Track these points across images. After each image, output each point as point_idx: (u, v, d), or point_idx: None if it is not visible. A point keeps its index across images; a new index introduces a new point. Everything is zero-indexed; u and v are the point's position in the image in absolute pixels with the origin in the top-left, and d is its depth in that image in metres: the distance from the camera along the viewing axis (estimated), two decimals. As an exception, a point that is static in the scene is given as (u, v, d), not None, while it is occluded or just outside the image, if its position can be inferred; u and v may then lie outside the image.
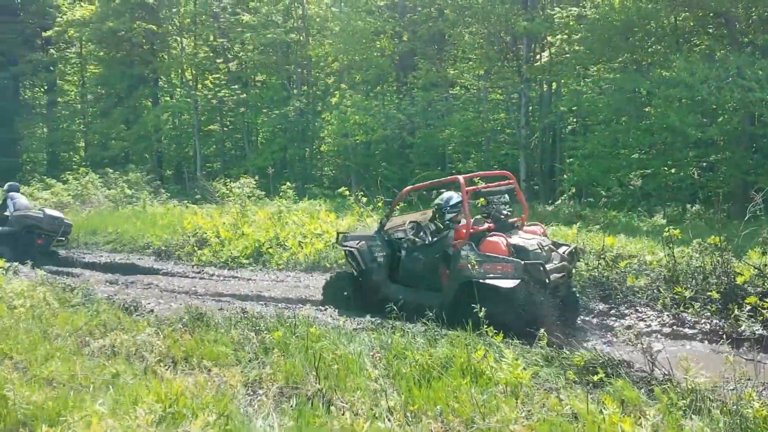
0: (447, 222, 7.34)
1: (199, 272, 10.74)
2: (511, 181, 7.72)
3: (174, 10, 30.18)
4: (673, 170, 16.80)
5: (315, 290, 8.96)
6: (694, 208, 16.13)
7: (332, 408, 4.23)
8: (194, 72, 30.33)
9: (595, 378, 4.70)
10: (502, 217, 7.27)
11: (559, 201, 17.53)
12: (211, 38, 30.37)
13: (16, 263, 9.96)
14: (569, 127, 23.22)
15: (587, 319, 7.43)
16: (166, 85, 33.04)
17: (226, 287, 9.37)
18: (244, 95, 27.63)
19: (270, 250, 11.18)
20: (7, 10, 34.20)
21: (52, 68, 34.55)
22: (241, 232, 12.05)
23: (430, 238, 7.58)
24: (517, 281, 6.36)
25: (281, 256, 10.86)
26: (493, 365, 4.76)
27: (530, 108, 22.53)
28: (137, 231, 13.55)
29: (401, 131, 23.59)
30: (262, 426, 3.96)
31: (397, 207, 8.77)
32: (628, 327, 6.78)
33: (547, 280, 6.37)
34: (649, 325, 7.06)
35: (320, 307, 7.66)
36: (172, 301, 8.24)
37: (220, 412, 3.94)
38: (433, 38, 24.55)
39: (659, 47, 19.06)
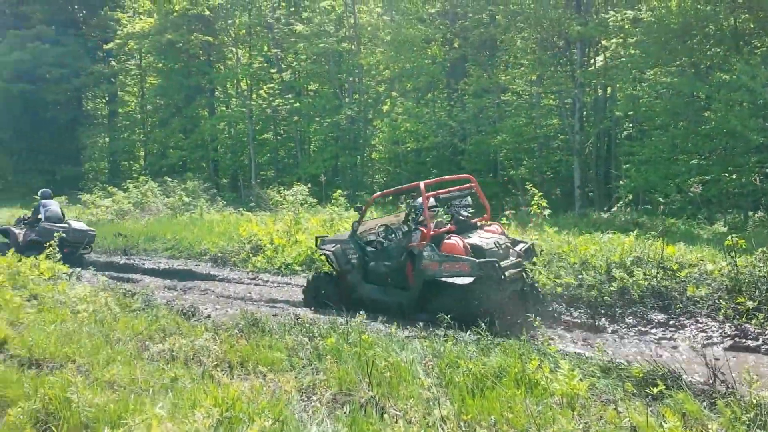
0: (417, 224, 7.83)
1: (253, 278, 10.89)
2: (472, 184, 8.35)
3: (229, 21, 30.86)
4: (734, 176, 16.19)
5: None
6: (756, 215, 15.51)
7: (385, 416, 4.23)
8: (249, 82, 30.90)
9: (655, 390, 4.56)
10: (463, 218, 7.92)
11: (615, 208, 17.14)
12: (265, 49, 30.89)
13: (79, 269, 10.39)
14: (625, 132, 22.68)
15: (645, 329, 7.25)
16: (222, 95, 33.75)
17: (280, 293, 9.48)
18: (297, 104, 27.99)
19: (322, 258, 11.26)
20: (71, 23, 35.66)
21: (113, 80, 35.76)
22: (294, 239, 12.18)
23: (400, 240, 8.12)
24: (472, 278, 6.89)
25: (334, 263, 10.90)
26: (548, 376, 4.66)
27: (584, 113, 22.11)
28: (194, 238, 13.86)
29: (452, 138, 23.48)
30: (317, 432, 4.00)
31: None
32: (688, 338, 6.58)
33: (502, 276, 6.82)
34: (710, 337, 6.83)
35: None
36: (228, 307, 8.40)
37: (276, 418, 4.00)
38: (484, 44, 24.40)
39: (718, 50, 18.43)
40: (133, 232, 15.54)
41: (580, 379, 4.51)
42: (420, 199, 7.69)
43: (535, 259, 8.00)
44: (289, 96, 28.24)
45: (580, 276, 8.23)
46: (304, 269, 11.11)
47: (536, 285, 7.91)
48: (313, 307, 8.27)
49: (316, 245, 9.05)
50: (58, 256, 10.12)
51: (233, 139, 31.96)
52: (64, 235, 11.64)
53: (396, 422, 4.15)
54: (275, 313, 7.77)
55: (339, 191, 16.18)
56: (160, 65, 33.41)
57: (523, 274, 7.55)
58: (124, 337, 6.05)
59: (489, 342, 5.92)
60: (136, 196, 20.77)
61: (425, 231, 7.41)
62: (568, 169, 21.72)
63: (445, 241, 7.29)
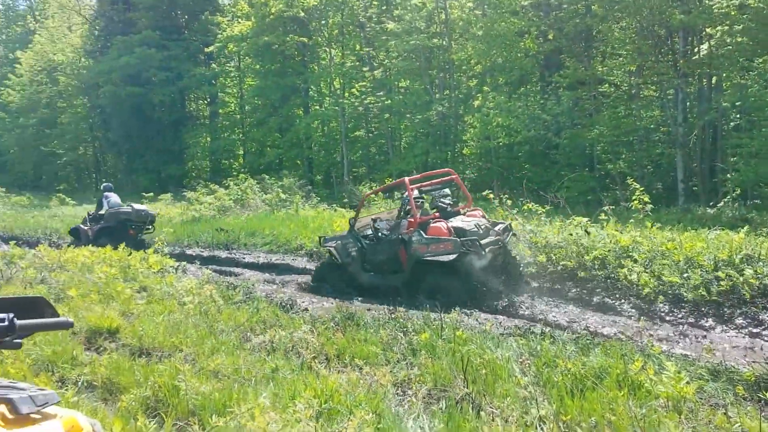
0: (405, 214, 9.07)
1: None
2: (453, 176, 9.59)
3: (323, 22, 31.46)
4: None
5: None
6: None
7: (482, 413, 4.19)
8: (341, 81, 31.41)
9: None
10: (445, 206, 9.18)
11: (722, 203, 16.18)
12: (357, 47, 31.29)
13: (184, 263, 10.96)
14: (732, 123, 21.37)
15: (756, 330, 6.81)
16: (315, 95, 34.44)
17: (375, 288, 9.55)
18: (388, 101, 28.20)
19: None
20: (174, 29, 37.48)
21: (213, 82, 37.31)
22: (387, 235, 12.25)
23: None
24: (456, 254, 7.87)
25: (424, 258, 10.88)
26: (653, 378, 4.49)
27: (687, 104, 21.00)
28: (291, 233, 14.23)
29: (546, 132, 22.92)
30: (413, 427, 4.01)
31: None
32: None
33: (482, 252, 7.87)
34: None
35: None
36: (324, 301, 8.58)
37: (373, 410, 4.04)
38: (579, 35, 23.63)
39: None
40: (234, 227, 16.16)
41: (687, 382, 4.32)
42: (407, 193, 8.83)
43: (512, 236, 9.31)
44: (381, 93, 28.48)
45: (685, 275, 7.84)
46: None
47: (516, 259, 9.14)
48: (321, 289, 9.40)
49: (319, 243, 10.26)
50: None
51: (326, 137, 32.59)
52: (128, 216, 12.71)
53: (493, 420, 4.11)
54: (369, 307, 7.86)
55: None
56: (258, 66, 34.50)
57: (503, 249, 8.69)
58: (227, 328, 6.29)
59: (589, 341, 5.76)
60: (236, 193, 21.56)
61: (413, 219, 8.55)
62: (670, 163, 20.70)
63: (431, 225, 8.30)
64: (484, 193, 14.49)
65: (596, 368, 4.82)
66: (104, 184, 14.59)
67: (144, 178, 35.96)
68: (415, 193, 9.00)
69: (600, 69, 23.05)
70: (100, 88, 37.90)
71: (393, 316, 6.92)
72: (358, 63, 31.27)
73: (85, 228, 13.34)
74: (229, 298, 7.77)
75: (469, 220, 8.66)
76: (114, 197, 13.54)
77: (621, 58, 22.85)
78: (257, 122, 35.12)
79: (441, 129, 27.13)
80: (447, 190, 9.64)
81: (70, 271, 8.87)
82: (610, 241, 9.36)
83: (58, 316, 1.51)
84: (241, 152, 37.89)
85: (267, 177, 23.76)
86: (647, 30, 20.22)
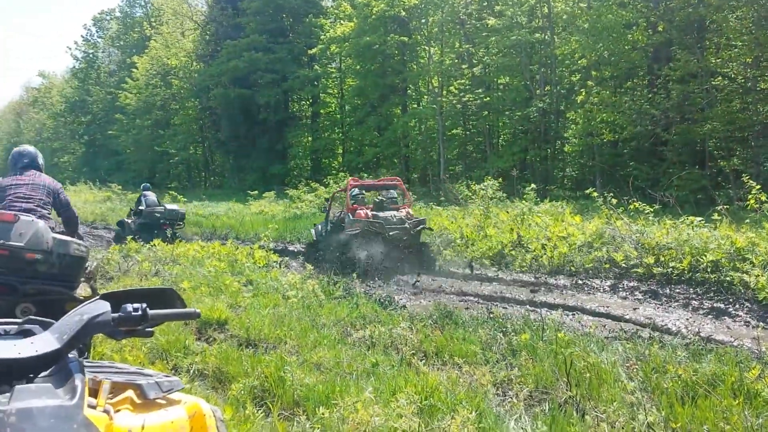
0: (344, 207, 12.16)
1: (445, 271, 11.02)
2: (398, 183, 12.64)
3: (423, 20, 31.49)
4: None
5: (559, 295, 8.75)
6: None
7: (587, 417, 4.08)
8: (440, 79, 31.33)
9: None
10: (380, 201, 11.81)
11: None
12: (457, 45, 31.08)
13: (287, 258, 11.34)
14: None
15: None
16: (414, 93, 34.54)
17: (471, 287, 9.52)
18: (487, 98, 27.83)
19: (513, 252, 11.11)
20: (280, 32, 38.69)
21: (316, 83, 38.21)
22: (484, 234, 12.15)
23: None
24: (360, 230, 10.68)
25: (524, 258, 10.72)
26: None
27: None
28: (388, 231, 14.37)
29: (654, 128, 21.84)
30: (515, 428, 3.95)
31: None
32: None
33: (386, 233, 10.57)
34: None
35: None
36: (421, 298, 8.61)
37: (474, 409, 4.01)
38: (691, 26, 22.32)
39: None
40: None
41: None
42: (356, 191, 12.19)
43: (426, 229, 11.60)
44: (479, 90, 28.15)
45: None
46: (494, 263, 11.04)
47: (429, 247, 11.57)
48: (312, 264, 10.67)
49: (310, 231, 13.74)
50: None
51: (424, 135, 32.60)
52: (161, 215, 14.67)
53: (598, 425, 3.99)
54: (467, 306, 7.81)
55: (532, 185, 15.80)
56: (358, 67, 34.95)
57: (414, 237, 11.09)
58: (328, 322, 6.44)
59: (701, 347, 5.46)
60: (335, 190, 21.96)
61: (348, 207, 11.61)
62: (790, 160, 19.23)
63: (357, 211, 11.18)
64: (587, 192, 14.02)
65: (709, 375, 4.59)
66: (143, 184, 16.71)
67: (250, 177, 37.39)
68: (356, 190, 12.22)
69: (713, 61, 21.68)
70: (211, 91, 39.75)
71: (491, 315, 6.84)
72: (457, 60, 31.05)
73: (128, 221, 15.04)
74: (330, 293, 7.95)
75: (392, 213, 11.26)
76: (151, 196, 15.26)
77: (736, 50, 21.39)
78: (356, 121, 35.64)
79: (541, 126, 26.47)
80: (393, 192, 12.62)
81: (182, 265, 9.38)
82: (724, 243, 8.81)
83: (185, 306, 1.58)
84: (341, 151, 38.60)
85: (365, 175, 24.06)
86: (766, 19, 18.83)
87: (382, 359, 5.22)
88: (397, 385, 4.44)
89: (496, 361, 5.26)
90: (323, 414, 3.88)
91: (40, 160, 5.11)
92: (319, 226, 12.81)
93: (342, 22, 35.09)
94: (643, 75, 25.51)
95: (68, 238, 4.30)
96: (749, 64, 20.75)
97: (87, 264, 4.65)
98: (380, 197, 12.06)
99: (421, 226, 11.20)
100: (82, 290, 4.69)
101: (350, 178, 13.43)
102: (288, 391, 4.34)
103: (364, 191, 12.53)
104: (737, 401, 4.09)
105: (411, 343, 5.73)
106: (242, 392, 4.40)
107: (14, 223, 4.07)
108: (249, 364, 4.89)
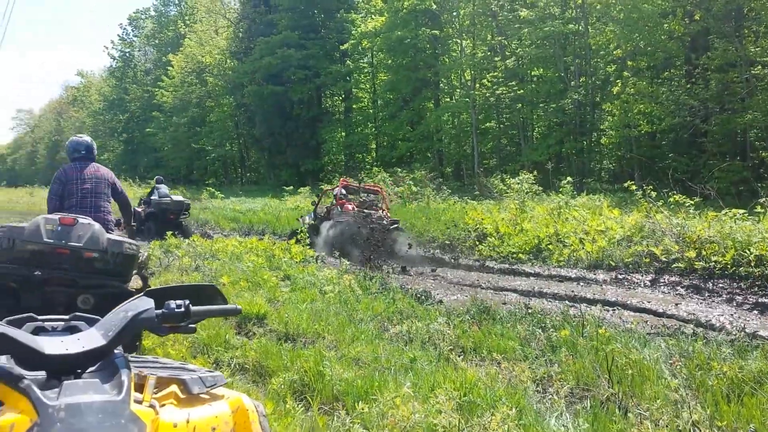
0: (337, 200, 14.07)
1: (480, 266, 10.98)
2: (379, 190, 15.38)
3: (454, 13, 31.29)
4: None
5: (599, 289, 8.64)
6: None
7: (629, 415, 4.01)
8: (473, 72, 31.13)
9: None
10: (364, 201, 14.05)
11: None
12: (489, 37, 30.84)
13: (322, 253, 11.43)
14: None
15: None
16: (446, 87, 34.39)
17: (507, 282, 9.44)
18: (521, 91, 27.55)
19: (550, 247, 10.99)
20: (312, 28, 38.89)
21: (348, 78, 38.31)
22: (520, 228, 12.04)
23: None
24: (346, 219, 12.62)
25: (562, 252, 10.59)
26: None
27: None
28: (422, 225, 14.36)
29: (693, 118, 21.35)
30: (556, 425, 3.91)
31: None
32: None
33: (365, 226, 12.04)
34: None
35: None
36: (458, 293, 8.57)
37: (515, 406, 3.97)
38: (729, 14, 21.73)
39: None
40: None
41: None
42: (337, 190, 14.39)
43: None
44: (513, 83, 27.89)
45: None
46: (530, 258, 10.93)
47: (398, 242, 12.36)
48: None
49: (297, 220, 15.93)
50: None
51: (457, 129, 32.46)
52: (168, 206, 15.56)
53: (641, 423, 3.92)
54: (504, 301, 7.75)
55: (568, 179, 15.61)
56: (390, 61, 34.97)
57: (388, 234, 12.23)
58: (365, 317, 6.45)
59: (746, 344, 5.33)
60: (326, 188, 21.98)
61: (338, 202, 13.69)
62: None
63: (345, 205, 13.44)
64: (625, 184, 13.78)
65: (755, 372, 4.47)
66: (157, 176, 17.91)
67: (284, 172, 37.73)
68: (343, 190, 14.39)
69: (752, 50, 21.07)
70: (245, 88, 40.16)
71: (530, 311, 6.78)
72: (489, 53, 30.81)
73: (139, 210, 15.67)
74: (366, 288, 7.97)
75: (371, 212, 13.06)
76: (163, 188, 16.25)
77: (776, 38, 20.75)
78: (389, 116, 35.67)
79: (576, 118, 26.12)
80: (372, 196, 14.76)
81: (221, 260, 9.51)
82: (769, 236, 8.58)
83: (226, 303, 1.61)
84: (374, 146, 38.67)
85: (399, 170, 24.06)
86: None
87: (420, 354, 5.19)
88: (435, 380, 4.42)
89: (536, 357, 5.20)
90: (362, 409, 3.89)
91: (95, 150, 5.85)
92: (307, 217, 14.86)
93: (373, 16, 35.08)
94: (681, 65, 24.95)
95: (121, 238, 4.74)
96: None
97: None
98: (365, 198, 14.45)
99: (395, 225, 12.98)
100: (134, 283, 5.12)
101: (341, 179, 15.73)
102: (327, 385, 4.35)
103: (347, 191, 14.71)
104: (785, 399, 3.97)
105: (448, 338, 5.70)
106: (282, 386, 4.43)
107: (74, 226, 4.53)
108: (288, 358, 4.92)
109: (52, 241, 4.43)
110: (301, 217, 15.60)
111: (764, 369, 4.53)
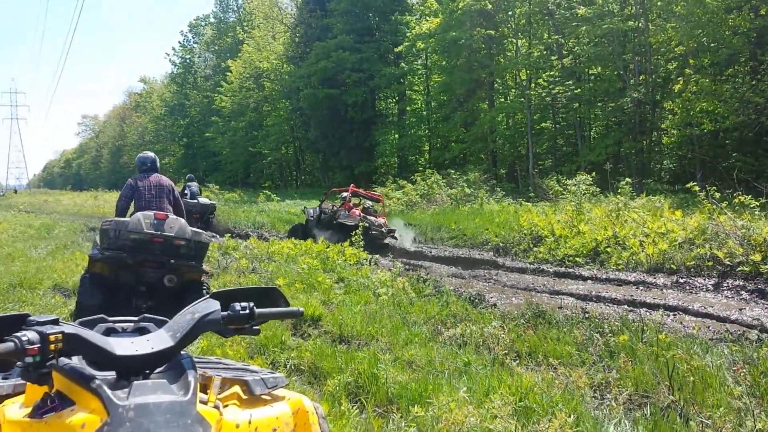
0: (343, 202, 15.52)
1: (535, 269, 10.81)
2: (380, 198, 17.10)
3: (510, 13, 30.97)
4: None
5: (659, 294, 8.41)
6: None
7: (691, 423, 3.91)
8: (528, 71, 30.73)
9: None
10: (367, 208, 15.78)
11: None
12: (545, 36, 30.40)
13: (376, 255, 11.50)
14: None
15: None
16: (501, 87, 34.07)
17: (564, 285, 9.28)
18: (578, 90, 27.04)
19: (608, 249, 10.74)
20: (366, 31, 39.13)
21: (402, 80, 38.39)
22: (576, 230, 11.81)
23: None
24: (353, 222, 13.75)
25: (620, 255, 10.33)
26: None
27: None
28: (476, 228, 14.26)
29: (758, 116, 20.50)
30: (614, 432, 3.85)
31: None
32: None
33: (369, 230, 13.56)
34: None
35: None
36: (512, 296, 8.47)
37: (572, 412, 3.92)
38: (797, 8, 20.78)
39: None
40: (421, 221, 16.57)
41: None
42: (346, 194, 15.64)
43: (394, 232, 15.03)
44: (570, 82, 27.38)
45: None
46: (587, 261, 10.71)
47: (389, 245, 14.35)
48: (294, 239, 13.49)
49: (303, 211, 17.71)
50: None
51: (511, 129, 32.09)
52: (194, 207, 15.82)
53: (703, 431, 3.81)
54: (560, 305, 7.63)
55: (627, 180, 15.24)
56: (444, 62, 34.82)
57: (383, 237, 14.46)
58: (418, 320, 6.46)
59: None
60: (422, 188, 22.02)
61: (345, 205, 15.10)
62: None
63: (353, 209, 14.85)
64: (687, 185, 13.34)
65: (821, 380, 4.29)
66: (188, 174, 18.67)
67: (338, 175, 38.10)
68: (349, 195, 15.67)
69: (822, 45, 20.07)
70: (300, 92, 40.73)
71: (587, 315, 6.65)
72: (545, 52, 30.36)
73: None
74: (419, 291, 7.97)
75: (374, 219, 14.83)
76: (193, 187, 16.95)
77: None
78: (442, 117, 35.54)
79: (635, 117, 25.43)
80: (371, 203, 16.72)
81: (277, 262, 9.69)
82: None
83: (288, 305, 1.63)
84: (427, 148, 38.59)
85: (452, 171, 23.92)
86: None
87: (474, 358, 5.16)
88: (490, 385, 4.39)
89: (593, 363, 5.10)
90: (417, 412, 3.89)
91: (158, 163, 6.99)
92: (311, 211, 16.27)
93: (428, 18, 34.99)
94: (745, 61, 23.96)
95: (200, 231, 6.34)
96: None
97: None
98: (366, 205, 16.07)
99: (392, 233, 14.91)
100: (206, 266, 6.53)
101: (351, 185, 16.95)
102: (381, 388, 4.37)
103: (352, 197, 16.02)
104: None
105: (503, 342, 5.65)
106: (337, 388, 4.46)
107: (165, 220, 5.96)
108: (343, 360, 4.96)
109: (151, 231, 5.84)
110: (306, 209, 17.36)
111: (831, 376, 4.35)
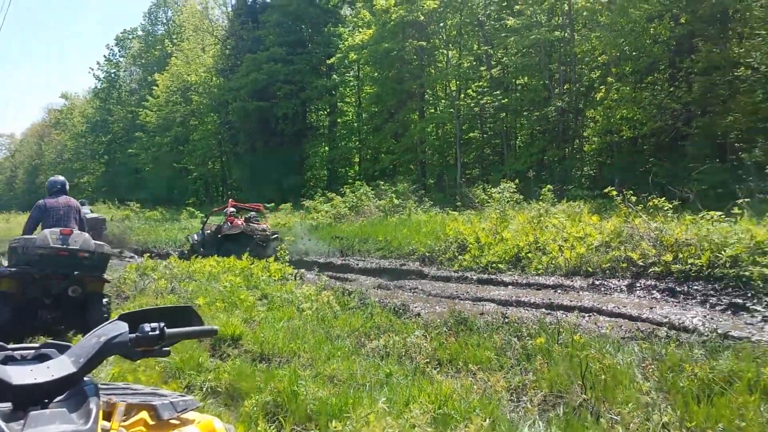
0: (226, 216, 16.54)
1: (460, 277, 10.92)
2: (260, 208, 18.44)
3: (441, 24, 31.45)
4: None
5: (576, 296, 8.67)
6: None
7: (601, 420, 4.05)
8: (458, 82, 31.27)
9: None
10: (249, 218, 16.48)
11: None
12: (475, 47, 31.03)
13: (303, 270, 11.40)
14: None
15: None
16: (431, 98, 34.46)
17: (486, 292, 9.43)
18: (505, 100, 27.74)
19: (529, 255, 10.99)
20: (299, 43, 38.90)
21: (333, 92, 38.33)
22: (500, 237, 12.05)
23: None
24: (237, 231, 15.18)
25: (540, 260, 10.59)
26: None
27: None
28: (403, 238, 14.31)
29: (674, 122, 21.57)
30: (529, 433, 3.93)
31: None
32: None
33: (253, 235, 15.05)
34: None
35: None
36: (436, 305, 8.55)
37: (489, 416, 3.99)
38: (715, 17, 22.00)
39: None
40: (349, 234, 16.54)
41: None
42: (229, 209, 16.71)
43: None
44: (498, 92, 28.08)
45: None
46: (509, 267, 10.93)
47: (275, 250, 13.86)
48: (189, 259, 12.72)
49: (186, 239, 18.14)
50: None
51: (440, 139, 32.57)
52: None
53: (612, 427, 3.95)
54: (482, 311, 7.76)
55: (548, 186, 15.68)
56: (376, 74, 34.94)
57: (269, 244, 15.04)
58: (342, 333, 6.43)
59: (718, 345, 5.38)
60: (351, 200, 21.98)
61: (228, 218, 16.09)
62: (815, 150, 18.81)
63: (234, 221, 15.85)
64: (606, 190, 13.84)
65: (725, 372, 4.54)
66: (81, 200, 18.74)
67: (266, 189, 37.49)
68: (233, 209, 16.81)
69: (736, 51, 21.35)
70: (230, 105, 40.10)
71: (506, 320, 6.78)
72: (475, 63, 31.05)
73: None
74: (344, 304, 7.94)
75: (256, 226, 15.77)
76: (85, 208, 17.08)
77: (760, 39, 21.04)
78: (373, 129, 35.70)
79: (559, 125, 26.30)
80: (254, 213, 17.47)
81: (198, 281, 9.45)
82: (744, 237, 8.65)
83: (203, 324, 1.57)
84: (357, 159, 38.66)
85: (381, 183, 24.02)
86: None
87: (396, 369, 5.18)
88: (410, 395, 4.42)
89: (511, 367, 5.22)
90: (335, 427, 3.86)
91: (67, 186, 7.43)
92: (195, 236, 16.66)
93: (360, 29, 35.12)
94: (665, 69, 25.17)
95: (103, 243, 6.94)
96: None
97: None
98: (250, 215, 16.98)
99: (275, 236, 15.77)
100: (107, 275, 7.03)
101: (230, 200, 18.61)
102: (301, 405, 4.33)
103: (236, 210, 17.16)
104: (753, 397, 4.08)
105: (425, 351, 5.70)
106: (255, 408, 4.38)
107: (70, 235, 6.48)
108: (262, 379, 4.87)
109: (57, 245, 6.33)
110: (189, 235, 17.79)
111: (735, 369, 4.59)
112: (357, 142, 38.22)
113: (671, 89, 22.44)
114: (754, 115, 19.68)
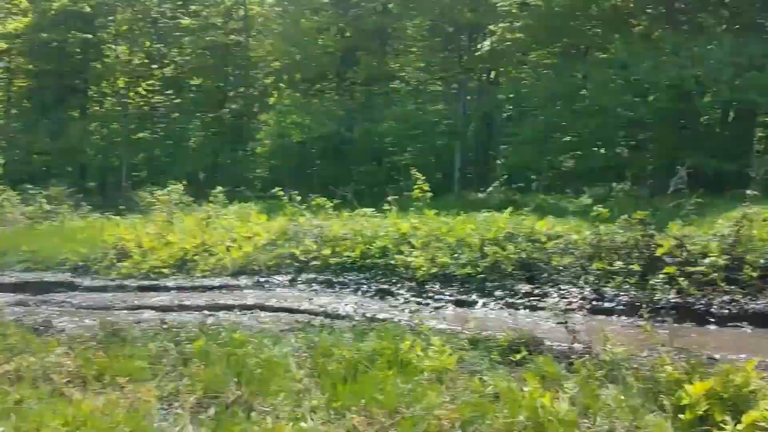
0: None
1: (117, 285, 10.12)
2: None
3: (110, 17, 29.33)
4: (602, 150, 17.16)
5: (240, 294, 8.76)
6: (620, 186, 16.39)
7: (253, 413, 4.10)
8: (127, 79, 29.49)
9: (518, 356, 4.79)
10: None
11: (491, 188, 17.64)
12: (147, 44, 29.65)
13: None
14: (505, 114, 23.46)
15: (512, 300, 7.43)
16: (96, 95, 32.14)
17: (147, 299, 8.92)
18: (179, 100, 27.01)
19: (196, 257, 10.73)
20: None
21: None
22: (165, 241, 11.54)
23: None
24: None
25: (207, 262, 10.42)
26: (420, 354, 4.75)
27: (468, 98, 22.79)
28: (53, 247, 12.75)
29: (339, 128, 23.40)
30: (178, 439, 3.76)
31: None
32: (552, 305, 6.78)
33: None
34: (571, 302, 7.11)
35: None
36: (87, 318, 7.76)
37: (133, 430, 3.84)
38: (376, 33, 24.42)
39: (599, 30, 19.44)
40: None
41: (450, 354, 4.66)
42: None
43: None
44: (170, 92, 27.19)
45: (455, 255, 8.35)
46: (175, 271, 10.50)
47: None
48: None
49: None
50: None
51: (105, 140, 30.36)
52: None
53: (264, 419, 4.01)
54: (139, 320, 7.28)
55: (219, 188, 15.61)
56: (32, 66, 31.29)
57: None
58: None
59: (365, 328, 5.86)
60: None
61: None
62: (450, 153, 22.16)
63: None
64: (274, 191, 14.26)
65: (369, 352, 4.94)
66: None
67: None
68: None
69: (393, 65, 24.03)
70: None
71: (165, 326, 6.45)
72: (147, 60, 29.58)
73: None
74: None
75: None
76: None
77: (412, 55, 24.05)
78: (24, 128, 31.58)
79: (234, 128, 26.54)
80: None
81: None
82: (392, 230, 9.68)
83: None
84: (2, 161, 33.78)
85: (30, 187, 21.36)
86: (438, 27, 21.52)
87: (29, 394, 4.59)
88: (42, 420, 3.99)
89: (165, 374, 4.97)
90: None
91: None
92: None
93: (14, 17, 30.78)
94: (333, 78, 27.13)
95: None
96: (422, 68, 23.54)
97: None
98: None
99: None
100: None
101: None
102: None
103: None
104: (392, 372, 4.49)
105: (67, 370, 5.12)
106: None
107: None
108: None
109: None
110: None
111: (377, 348, 5.02)
112: (3, 142, 33.32)
113: (337, 97, 24.36)
114: (406, 122, 22.45)
